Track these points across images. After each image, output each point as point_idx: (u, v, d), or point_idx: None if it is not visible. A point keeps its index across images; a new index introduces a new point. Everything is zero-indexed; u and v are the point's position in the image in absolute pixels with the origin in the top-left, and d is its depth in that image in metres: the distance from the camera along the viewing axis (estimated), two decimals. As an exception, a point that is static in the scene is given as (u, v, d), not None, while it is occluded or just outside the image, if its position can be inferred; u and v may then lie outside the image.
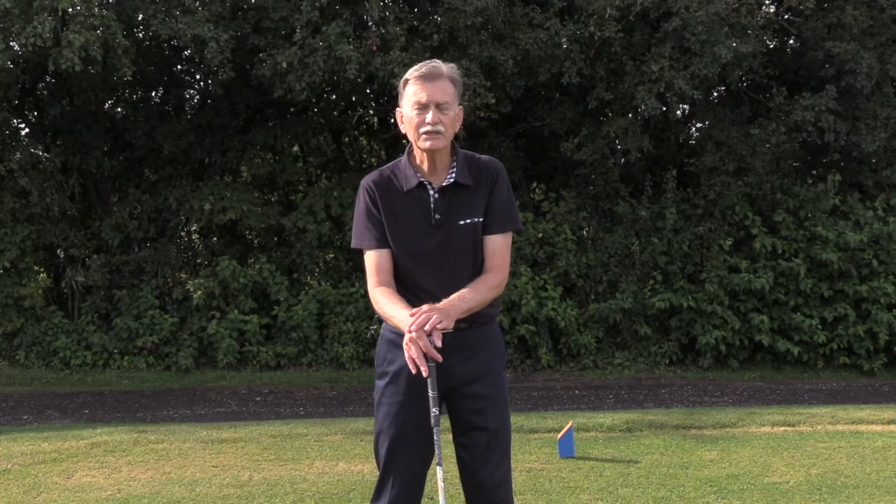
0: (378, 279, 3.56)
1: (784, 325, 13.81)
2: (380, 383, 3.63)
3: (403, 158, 3.63)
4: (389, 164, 3.68)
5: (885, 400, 11.28)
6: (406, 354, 3.27)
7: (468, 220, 3.58)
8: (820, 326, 13.64)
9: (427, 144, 3.46)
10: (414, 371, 3.27)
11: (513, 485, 3.75)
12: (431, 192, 3.57)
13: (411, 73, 3.50)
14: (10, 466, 6.55)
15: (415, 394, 3.49)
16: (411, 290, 3.57)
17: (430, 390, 3.31)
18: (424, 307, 3.32)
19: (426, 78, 3.45)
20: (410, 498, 3.60)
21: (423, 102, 3.42)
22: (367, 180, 3.61)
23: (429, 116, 3.42)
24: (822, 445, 6.89)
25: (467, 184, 3.58)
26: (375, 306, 3.56)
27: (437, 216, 3.56)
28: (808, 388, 12.60)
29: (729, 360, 13.84)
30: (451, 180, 3.57)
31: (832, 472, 6.10)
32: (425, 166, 3.57)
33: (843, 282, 13.80)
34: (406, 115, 3.51)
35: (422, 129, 3.44)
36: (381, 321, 3.70)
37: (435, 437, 3.35)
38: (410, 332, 3.24)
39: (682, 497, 5.55)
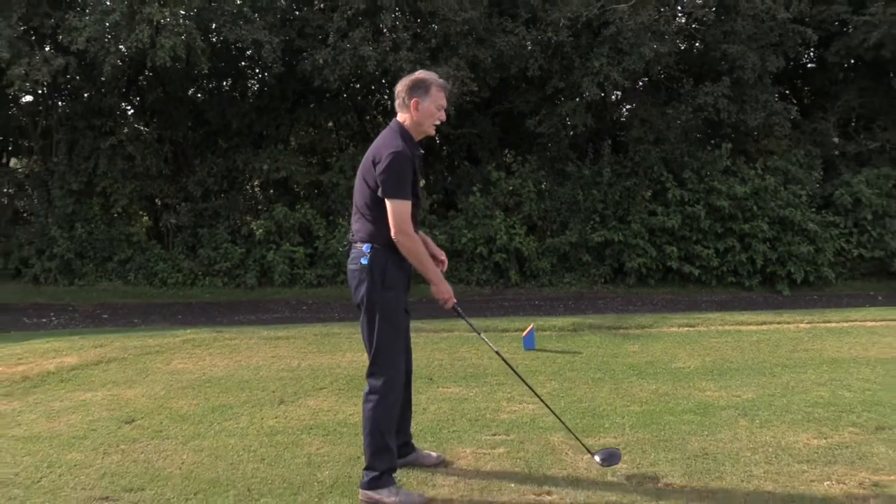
0: (412, 224, 3.43)
1: (688, 254, 13.83)
2: (388, 294, 3.48)
3: (404, 133, 3.51)
4: (394, 136, 3.49)
5: (759, 307, 11.36)
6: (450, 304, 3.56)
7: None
8: (714, 255, 13.68)
9: (432, 131, 3.59)
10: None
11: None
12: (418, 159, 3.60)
13: (439, 81, 3.58)
14: (126, 356, 6.58)
15: (405, 305, 3.58)
16: None
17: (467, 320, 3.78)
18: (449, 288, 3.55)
19: (446, 91, 3.62)
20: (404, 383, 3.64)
21: (444, 106, 3.59)
22: (405, 150, 3.40)
23: (443, 116, 3.62)
24: (714, 340, 6.93)
25: None
26: (414, 249, 3.41)
27: (420, 177, 3.62)
28: (705, 300, 12.67)
29: (648, 279, 13.89)
30: (422, 152, 3.65)
31: (721, 359, 6.15)
32: (414, 141, 3.57)
33: (732, 222, 13.81)
34: (427, 108, 3.53)
35: (435, 121, 3.58)
36: (370, 244, 3.48)
37: (484, 339, 3.84)
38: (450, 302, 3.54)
39: (612, 378, 5.59)
